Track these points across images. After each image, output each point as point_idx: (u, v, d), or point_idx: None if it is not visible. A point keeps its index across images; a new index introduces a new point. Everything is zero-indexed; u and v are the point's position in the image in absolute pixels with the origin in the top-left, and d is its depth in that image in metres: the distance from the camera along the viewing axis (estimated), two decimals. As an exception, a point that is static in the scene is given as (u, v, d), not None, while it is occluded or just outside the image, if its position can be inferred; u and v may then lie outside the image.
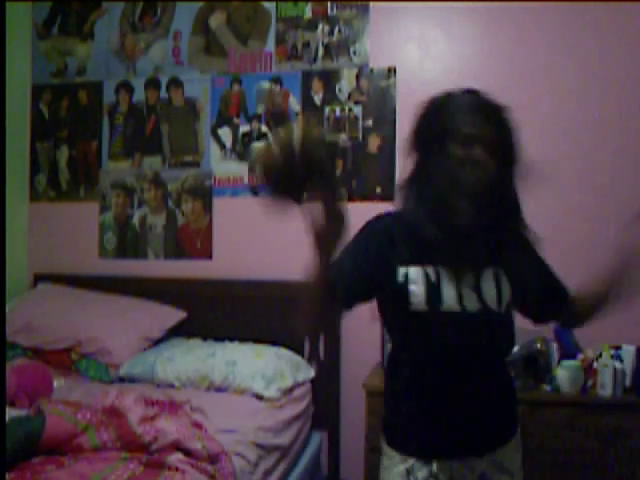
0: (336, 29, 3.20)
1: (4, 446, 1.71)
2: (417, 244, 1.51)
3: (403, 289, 1.51)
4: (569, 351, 2.72)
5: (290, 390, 2.74)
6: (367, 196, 3.12)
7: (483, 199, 1.48)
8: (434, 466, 1.55)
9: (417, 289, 1.50)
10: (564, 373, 2.59)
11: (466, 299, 1.50)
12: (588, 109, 2.92)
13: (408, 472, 1.59)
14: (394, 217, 1.59)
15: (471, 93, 1.55)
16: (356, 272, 1.54)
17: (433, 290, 1.49)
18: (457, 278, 1.50)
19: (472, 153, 1.46)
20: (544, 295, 1.63)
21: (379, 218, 1.59)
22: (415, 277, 1.51)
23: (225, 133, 3.33)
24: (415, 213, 1.52)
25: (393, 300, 1.54)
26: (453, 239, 1.49)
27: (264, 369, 2.70)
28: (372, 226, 1.58)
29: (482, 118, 1.49)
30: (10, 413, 2.07)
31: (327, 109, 3.19)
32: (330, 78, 3.20)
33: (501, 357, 1.62)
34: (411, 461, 1.58)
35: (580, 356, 2.69)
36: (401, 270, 1.52)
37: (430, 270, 1.50)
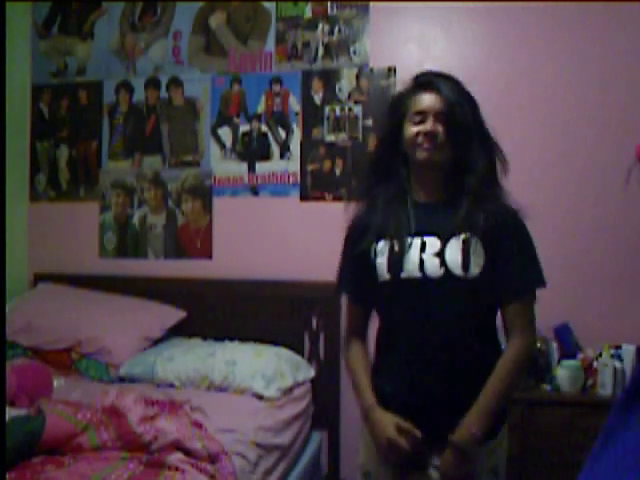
0: (336, 29, 3.20)
1: (4, 446, 1.71)
2: (386, 221, 1.63)
3: (373, 263, 1.64)
4: (569, 351, 2.72)
5: (290, 390, 2.74)
6: (367, 196, 3.12)
7: (443, 170, 1.62)
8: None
9: (381, 260, 1.62)
10: (564, 373, 2.59)
11: (428, 265, 1.56)
12: (588, 109, 2.92)
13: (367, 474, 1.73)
14: (364, 209, 1.73)
15: (421, 75, 1.68)
16: (354, 274, 1.71)
17: (395, 259, 1.59)
18: (421, 246, 1.58)
19: (425, 126, 1.58)
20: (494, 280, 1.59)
21: (353, 218, 1.75)
22: (381, 249, 1.63)
23: (225, 133, 3.33)
24: (381, 192, 1.67)
25: (371, 277, 1.64)
26: (418, 210, 1.62)
27: (264, 369, 2.70)
28: (348, 228, 1.76)
29: (432, 93, 1.61)
30: (10, 413, 2.07)
31: (327, 109, 3.19)
32: (330, 78, 3.20)
33: (469, 325, 1.57)
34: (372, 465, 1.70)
35: (580, 356, 2.69)
36: (372, 247, 1.65)
37: (395, 242, 1.60)
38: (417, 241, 1.59)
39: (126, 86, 3.48)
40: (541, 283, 1.59)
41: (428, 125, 1.58)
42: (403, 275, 1.58)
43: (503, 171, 1.65)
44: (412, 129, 1.60)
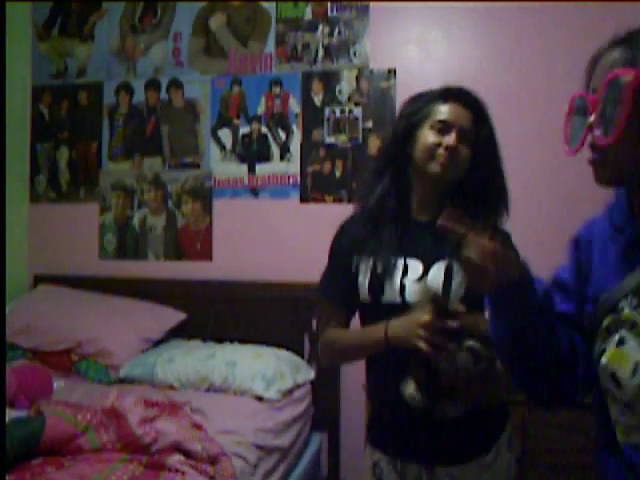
0: (336, 30, 3.20)
1: (4, 447, 1.71)
2: (373, 238, 1.56)
3: (354, 279, 1.56)
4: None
5: (290, 391, 2.74)
6: (367, 197, 3.12)
7: (449, 191, 1.54)
8: (398, 464, 1.56)
9: (362, 280, 1.54)
10: (564, 374, 2.59)
11: (409, 291, 1.49)
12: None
13: (375, 465, 1.61)
14: (355, 217, 1.65)
15: (452, 87, 1.59)
16: (337, 282, 1.61)
17: (376, 281, 1.51)
18: (403, 270, 1.50)
19: (448, 139, 1.50)
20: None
21: (341, 225, 1.67)
22: (363, 268, 1.55)
23: (225, 134, 3.33)
24: (374, 209, 1.58)
25: (353, 289, 1.57)
26: (408, 229, 1.55)
27: (264, 370, 2.70)
28: (336, 235, 1.67)
29: (462, 108, 1.53)
30: (10, 414, 2.07)
31: (327, 110, 3.19)
32: (330, 79, 3.20)
33: None
34: (377, 455, 1.60)
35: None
36: (355, 260, 1.57)
37: (379, 261, 1.52)
38: (400, 263, 1.51)
39: (126, 87, 3.48)
40: None
41: (451, 139, 1.49)
42: (384, 300, 1.51)
43: (506, 209, 1.59)
44: (431, 138, 1.51)
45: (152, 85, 3.44)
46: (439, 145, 1.50)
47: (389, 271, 1.51)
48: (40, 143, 3.61)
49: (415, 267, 1.51)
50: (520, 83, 3.00)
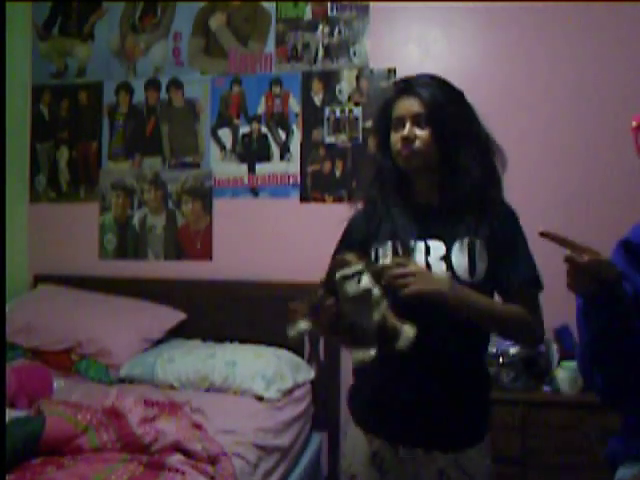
0: (336, 30, 3.20)
1: (4, 447, 1.71)
2: (390, 224, 1.60)
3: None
4: (569, 352, 2.72)
5: (290, 391, 2.74)
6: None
7: (437, 174, 1.59)
8: (400, 451, 1.57)
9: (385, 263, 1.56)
10: (564, 374, 2.59)
11: (434, 269, 1.54)
12: (588, 109, 2.92)
13: (375, 454, 1.60)
14: (362, 211, 1.71)
15: (400, 81, 1.66)
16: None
17: None
18: (425, 250, 1.55)
19: (403, 132, 1.56)
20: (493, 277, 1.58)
21: (351, 218, 1.73)
22: (383, 252, 1.59)
23: (225, 134, 3.33)
24: (381, 197, 1.64)
25: None
26: (419, 213, 1.60)
27: (264, 370, 2.70)
28: (350, 220, 1.72)
29: (410, 98, 1.58)
30: (10, 414, 2.07)
31: (327, 110, 3.19)
32: (330, 79, 3.20)
33: (472, 328, 1.54)
34: (377, 443, 1.60)
35: (580, 357, 2.69)
36: (373, 247, 1.61)
37: (399, 244, 1.57)
38: (421, 245, 1.56)
39: (126, 87, 3.48)
40: (538, 277, 1.59)
41: (404, 130, 1.56)
42: None
43: (502, 168, 1.62)
44: (393, 137, 1.60)
45: (152, 85, 3.44)
46: (399, 140, 1.58)
47: (412, 253, 1.56)
48: (40, 143, 3.60)
49: (437, 247, 1.56)
50: (520, 82, 2.99)
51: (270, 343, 2.98)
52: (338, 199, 3.15)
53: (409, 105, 1.57)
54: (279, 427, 2.51)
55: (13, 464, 1.81)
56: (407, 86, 1.60)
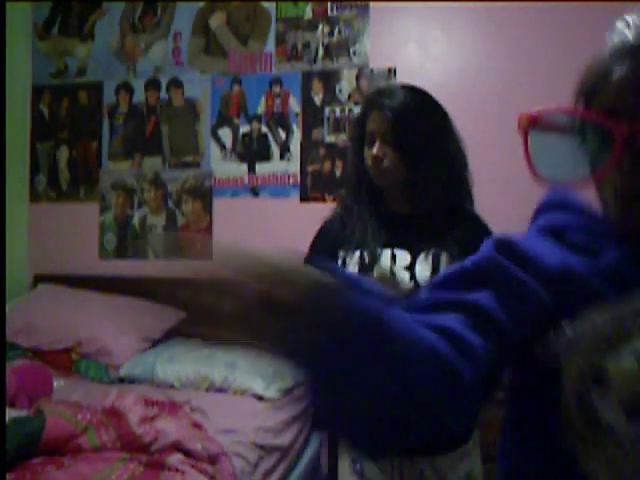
0: (336, 29, 3.20)
1: (4, 447, 1.71)
2: (358, 231, 1.62)
3: None
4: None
5: (290, 390, 2.74)
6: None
7: (407, 187, 1.60)
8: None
9: (351, 271, 1.59)
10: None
11: (398, 278, 1.56)
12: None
13: (354, 462, 1.69)
14: (339, 215, 1.72)
15: (371, 94, 1.66)
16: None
17: (364, 271, 1.58)
18: (391, 259, 1.57)
19: (372, 150, 1.57)
20: None
21: (325, 221, 1.76)
22: (350, 260, 1.61)
23: (225, 134, 3.33)
24: (355, 204, 1.66)
25: None
26: (390, 222, 1.62)
27: (264, 369, 2.70)
28: (325, 221, 1.76)
29: (380, 114, 1.57)
30: (10, 414, 2.07)
31: (327, 110, 3.20)
32: (330, 79, 3.20)
33: None
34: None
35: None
36: (340, 254, 1.64)
37: (367, 252, 1.59)
38: (387, 253, 1.59)
39: (126, 87, 3.48)
40: None
41: (374, 149, 1.57)
42: None
43: (471, 183, 1.63)
44: (366, 151, 1.60)
45: (152, 84, 3.44)
46: (370, 157, 1.59)
47: (378, 261, 1.58)
48: (40, 142, 3.61)
49: (403, 256, 1.58)
50: (520, 82, 2.99)
51: (270, 343, 2.97)
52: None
53: (379, 122, 1.57)
54: (279, 426, 2.51)
55: (13, 464, 1.81)
56: (379, 101, 1.60)
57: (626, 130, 0.71)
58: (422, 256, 1.56)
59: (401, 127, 1.54)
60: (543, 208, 0.88)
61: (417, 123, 1.56)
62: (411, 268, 1.55)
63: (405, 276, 1.55)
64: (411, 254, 1.57)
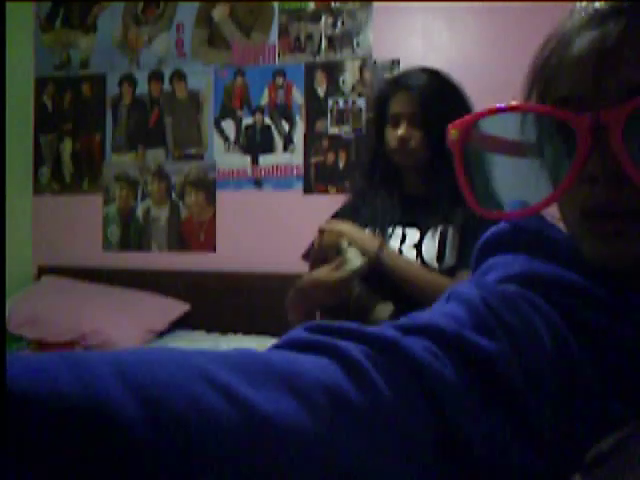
0: (339, 21, 3.19)
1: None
2: (371, 211, 1.65)
3: None
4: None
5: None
6: (371, 188, 3.12)
7: (428, 169, 1.61)
8: None
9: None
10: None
11: (405, 256, 1.59)
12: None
13: None
14: (350, 204, 1.76)
15: (399, 75, 1.69)
16: None
17: None
18: (401, 238, 1.61)
19: (398, 131, 1.58)
20: None
21: (345, 203, 1.80)
22: None
23: (229, 125, 3.33)
24: (370, 186, 1.69)
25: None
26: (405, 202, 1.64)
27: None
28: (339, 209, 1.80)
29: (406, 95, 1.59)
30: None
31: (330, 101, 3.19)
32: (333, 70, 3.19)
33: None
34: None
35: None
36: None
37: (378, 232, 1.62)
38: (399, 232, 1.62)
39: (129, 79, 3.47)
40: None
41: (400, 130, 1.58)
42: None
43: None
44: (389, 134, 1.61)
45: (155, 76, 3.44)
46: (393, 139, 1.60)
47: (387, 239, 1.60)
48: (43, 135, 3.61)
49: (412, 235, 1.60)
50: (524, 74, 2.98)
51: (274, 334, 2.98)
52: (342, 190, 3.14)
53: (406, 103, 1.58)
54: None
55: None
56: (404, 82, 1.62)
57: (591, 123, 0.50)
58: (430, 233, 1.58)
59: (429, 107, 1.56)
60: (495, 247, 0.63)
61: (444, 104, 1.57)
62: (419, 246, 1.58)
63: (412, 254, 1.57)
64: (420, 232, 1.59)
